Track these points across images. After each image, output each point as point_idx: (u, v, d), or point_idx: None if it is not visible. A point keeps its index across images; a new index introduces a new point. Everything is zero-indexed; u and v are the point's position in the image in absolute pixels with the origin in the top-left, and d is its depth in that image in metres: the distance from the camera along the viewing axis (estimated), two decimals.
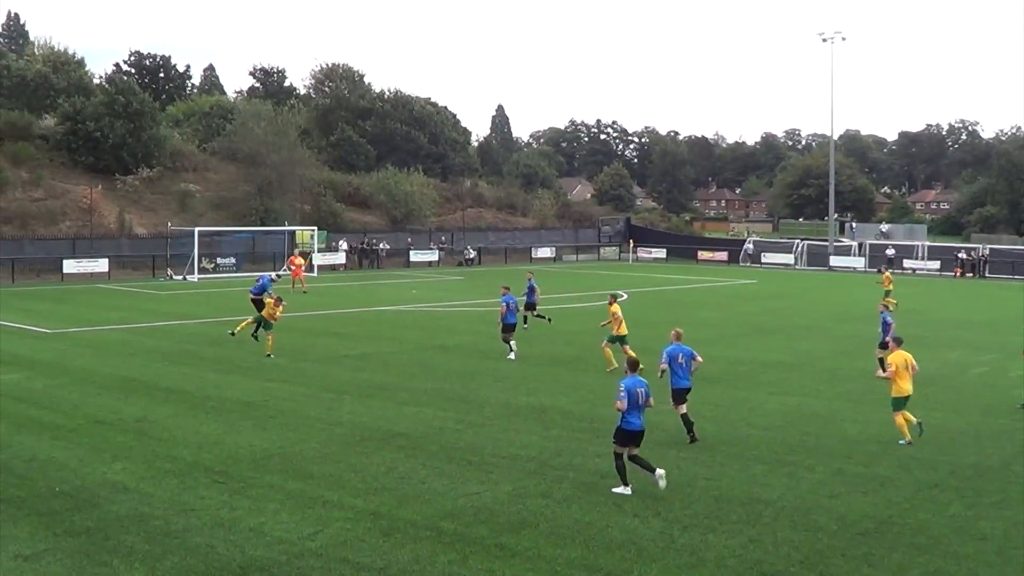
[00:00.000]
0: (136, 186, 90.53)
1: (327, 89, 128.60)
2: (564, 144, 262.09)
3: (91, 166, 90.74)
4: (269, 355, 36.36)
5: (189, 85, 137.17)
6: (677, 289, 69.80)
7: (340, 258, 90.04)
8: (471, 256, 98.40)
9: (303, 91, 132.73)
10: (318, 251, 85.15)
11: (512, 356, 36.53)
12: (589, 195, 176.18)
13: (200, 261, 76.66)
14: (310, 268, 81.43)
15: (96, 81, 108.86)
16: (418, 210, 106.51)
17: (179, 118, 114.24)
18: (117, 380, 31.47)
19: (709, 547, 16.62)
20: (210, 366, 34.44)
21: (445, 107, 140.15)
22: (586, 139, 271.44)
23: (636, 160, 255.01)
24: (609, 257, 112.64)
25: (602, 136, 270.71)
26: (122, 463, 21.35)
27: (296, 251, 76.18)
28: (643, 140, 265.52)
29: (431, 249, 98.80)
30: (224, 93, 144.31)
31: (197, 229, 77.50)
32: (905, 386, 24.12)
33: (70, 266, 74.65)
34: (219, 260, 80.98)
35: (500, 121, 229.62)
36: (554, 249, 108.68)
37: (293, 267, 68.08)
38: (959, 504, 19.25)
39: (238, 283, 68.40)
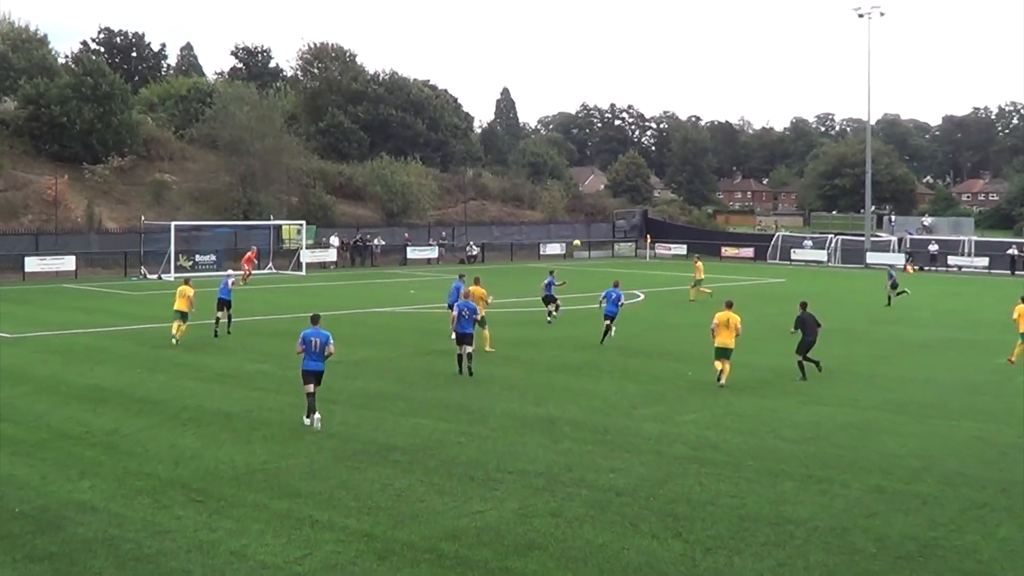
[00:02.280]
0: (106, 176, 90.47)
1: (316, 71, 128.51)
2: (575, 130, 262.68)
3: (56, 154, 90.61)
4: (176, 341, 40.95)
5: (164, 66, 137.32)
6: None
7: (331, 255, 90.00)
8: (474, 253, 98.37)
9: (290, 73, 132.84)
10: (307, 247, 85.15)
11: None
12: (602, 186, 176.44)
13: (177, 259, 76.73)
14: (298, 267, 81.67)
15: (61, 61, 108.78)
16: (416, 203, 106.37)
17: (153, 102, 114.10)
18: (85, 389, 31.46)
19: (734, 571, 16.57)
20: (188, 373, 34.42)
21: (445, 90, 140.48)
22: (599, 125, 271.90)
23: (654, 148, 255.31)
24: (624, 253, 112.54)
25: (616, 122, 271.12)
26: (90, 480, 21.30)
27: (252, 248, 77.29)
28: (661, 126, 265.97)
29: (430, 245, 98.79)
30: (203, 75, 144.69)
31: (174, 223, 77.63)
32: (726, 340, 33.20)
33: (33, 264, 74.47)
34: (198, 257, 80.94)
35: (505, 105, 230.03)
36: (564, 245, 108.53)
37: (247, 266, 70.47)
38: (1010, 525, 19.18)
39: (219, 282, 68.41)
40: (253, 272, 74.02)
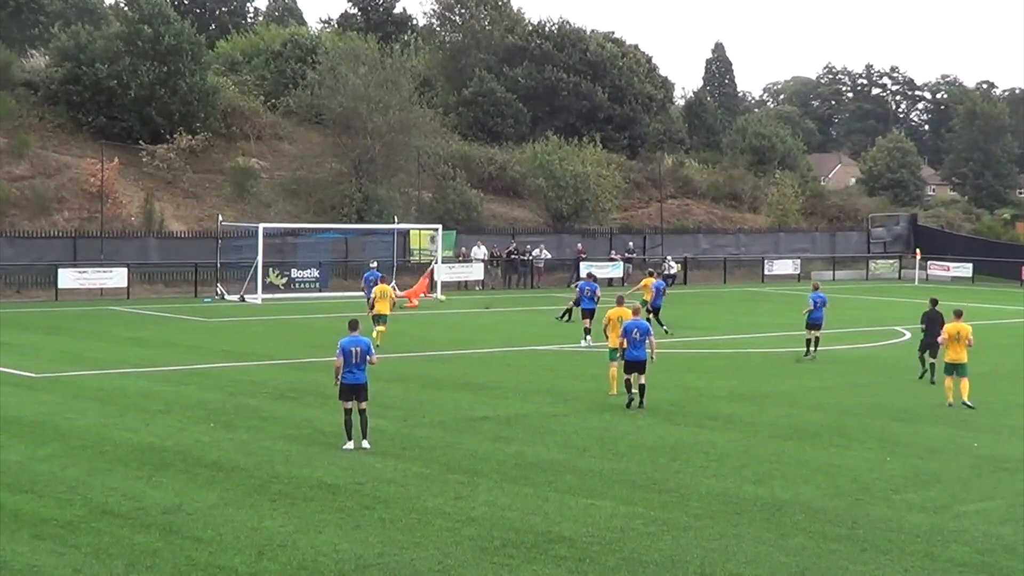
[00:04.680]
0: (170, 160, 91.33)
1: (457, 19, 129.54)
2: (816, 103, 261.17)
3: (102, 130, 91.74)
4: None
5: (251, 10, 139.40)
6: (988, 325, 68.51)
7: (476, 271, 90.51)
8: (672, 271, 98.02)
9: (422, 22, 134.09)
10: (443, 260, 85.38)
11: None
12: (853, 180, 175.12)
13: (267, 274, 77.55)
14: (432, 287, 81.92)
15: (109, 2, 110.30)
16: (593, 201, 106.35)
17: (236, 60, 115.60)
18: (137, 450, 31.84)
19: None
20: (279, 430, 34.72)
21: (635, 47, 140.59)
22: (849, 95, 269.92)
23: (927, 127, 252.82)
24: (883, 274, 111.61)
25: (874, 90, 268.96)
26: (142, 575, 21.50)
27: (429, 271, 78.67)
28: (938, 96, 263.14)
29: (612, 260, 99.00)
30: (304, 23, 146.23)
31: (262, 226, 78.60)
32: (958, 354, 39.49)
33: (69, 278, 75.92)
34: (294, 272, 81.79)
35: (719, 68, 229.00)
36: (798, 262, 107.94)
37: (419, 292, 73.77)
38: None
39: (323, 306, 69.11)
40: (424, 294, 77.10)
